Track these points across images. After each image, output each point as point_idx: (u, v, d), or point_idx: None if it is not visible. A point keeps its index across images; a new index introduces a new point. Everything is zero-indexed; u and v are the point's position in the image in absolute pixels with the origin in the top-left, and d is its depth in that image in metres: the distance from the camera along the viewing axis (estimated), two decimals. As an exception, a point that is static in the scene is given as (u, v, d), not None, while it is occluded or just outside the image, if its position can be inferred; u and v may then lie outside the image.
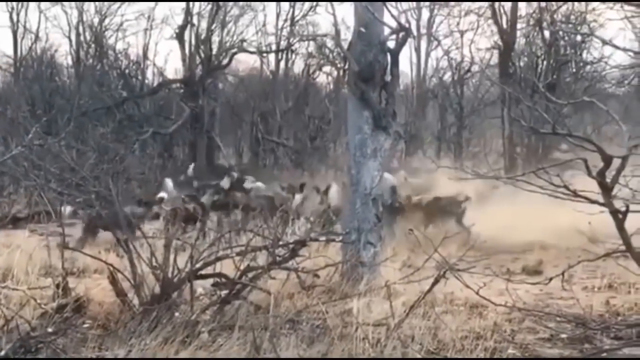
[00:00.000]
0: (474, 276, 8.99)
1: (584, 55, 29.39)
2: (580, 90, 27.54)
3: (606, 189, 5.60)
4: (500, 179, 6.77)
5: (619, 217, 5.77)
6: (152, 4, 32.51)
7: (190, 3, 28.49)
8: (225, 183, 19.95)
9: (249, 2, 30.18)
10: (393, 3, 11.50)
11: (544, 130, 6.40)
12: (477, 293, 6.68)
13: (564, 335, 9.42)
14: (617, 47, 9.25)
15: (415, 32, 31.21)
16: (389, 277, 10.06)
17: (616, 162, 6.86)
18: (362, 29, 11.27)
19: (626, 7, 9.78)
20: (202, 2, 28.91)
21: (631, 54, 11.49)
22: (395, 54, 11.63)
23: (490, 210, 16.46)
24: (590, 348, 8.56)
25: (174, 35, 28.97)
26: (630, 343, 8.58)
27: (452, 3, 30.21)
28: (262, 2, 30.25)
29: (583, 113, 26.18)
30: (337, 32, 12.96)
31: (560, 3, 26.46)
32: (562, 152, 25.11)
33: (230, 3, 29.57)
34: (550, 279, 6.41)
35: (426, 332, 8.55)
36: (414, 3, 29.12)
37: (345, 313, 8.91)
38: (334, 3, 11.18)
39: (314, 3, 29.81)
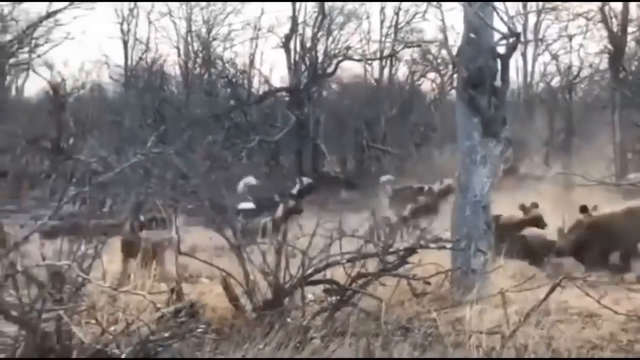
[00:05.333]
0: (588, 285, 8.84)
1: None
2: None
3: None
4: (618, 186, 6.57)
5: None
6: (259, 13, 32.91)
7: (296, 12, 28.76)
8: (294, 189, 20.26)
9: (353, 9, 30.31)
10: (502, 9, 11.37)
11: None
12: (598, 302, 6.52)
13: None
14: None
15: (525, 38, 30.82)
16: (500, 285, 9.95)
17: None
18: (472, 35, 11.18)
19: None
20: (309, 11, 29.18)
21: None
22: (505, 59, 11.49)
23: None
24: None
25: (280, 43, 29.30)
26: None
27: (560, 7, 29.70)
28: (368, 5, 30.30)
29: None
30: (446, 38, 12.88)
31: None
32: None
33: (336, 11, 29.74)
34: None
35: (540, 342, 8.42)
36: (521, 8, 28.68)
37: (456, 321, 8.83)
38: (443, 10, 11.18)
39: (420, 10, 29.68)
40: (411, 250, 9.15)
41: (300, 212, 18.90)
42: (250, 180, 20.70)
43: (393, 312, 8.97)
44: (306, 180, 21.32)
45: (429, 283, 9.21)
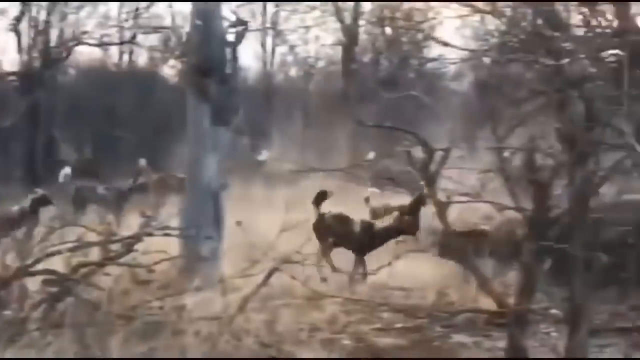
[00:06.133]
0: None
1: (426, 52, 30.13)
2: (422, 87, 28.33)
3: (429, 180, 5.77)
4: (325, 171, 6.79)
5: (441, 207, 5.96)
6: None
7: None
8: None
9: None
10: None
11: (371, 123, 6.49)
12: (308, 285, 6.73)
13: (398, 325, 9.71)
14: (448, 45, 9.51)
15: (261, 27, 31.27)
16: (228, 272, 10.06)
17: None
18: (199, 22, 11.19)
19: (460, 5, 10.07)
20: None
21: (458, 50, 11.64)
22: (234, 47, 11.61)
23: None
24: (420, 336, 8.81)
25: (10, 26, 28.03)
26: (457, 330, 8.90)
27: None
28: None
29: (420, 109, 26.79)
30: (176, 25, 12.81)
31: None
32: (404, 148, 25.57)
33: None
34: (379, 269, 6.54)
35: (262, 325, 8.62)
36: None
37: (181, 308, 8.83)
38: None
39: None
40: (136, 238, 9.02)
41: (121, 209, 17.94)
42: (68, 170, 19.58)
43: (117, 301, 8.83)
44: (145, 168, 20.37)
45: (152, 271, 9.12)
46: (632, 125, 6.38)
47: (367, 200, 15.43)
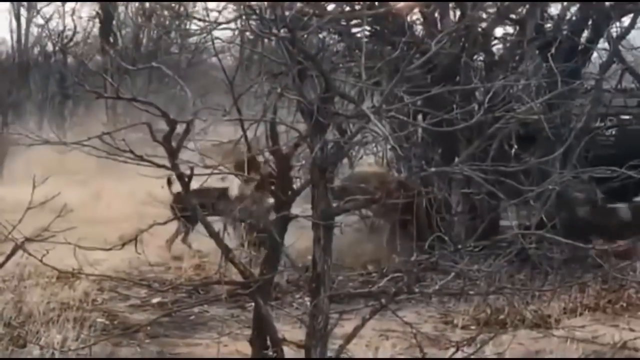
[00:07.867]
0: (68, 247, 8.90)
1: (189, 25, 29.96)
2: (185, 61, 28.39)
3: (172, 153, 5.76)
4: (68, 145, 6.63)
5: (185, 181, 5.99)
6: None
7: None
8: None
9: None
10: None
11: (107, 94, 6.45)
12: (41, 261, 6.56)
13: (155, 301, 9.70)
14: (195, 18, 9.49)
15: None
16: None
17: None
18: None
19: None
20: None
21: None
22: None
23: (81, 180, 16.38)
24: (176, 308, 8.83)
25: None
26: (209, 301, 8.98)
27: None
28: None
29: (190, 83, 26.69)
30: None
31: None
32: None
33: None
34: (123, 245, 6.49)
35: (9, 306, 8.43)
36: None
37: None
38: None
39: None
40: None
41: None
42: None
43: None
44: None
45: None
46: (378, 96, 6.63)
47: (169, 183, 12.31)
